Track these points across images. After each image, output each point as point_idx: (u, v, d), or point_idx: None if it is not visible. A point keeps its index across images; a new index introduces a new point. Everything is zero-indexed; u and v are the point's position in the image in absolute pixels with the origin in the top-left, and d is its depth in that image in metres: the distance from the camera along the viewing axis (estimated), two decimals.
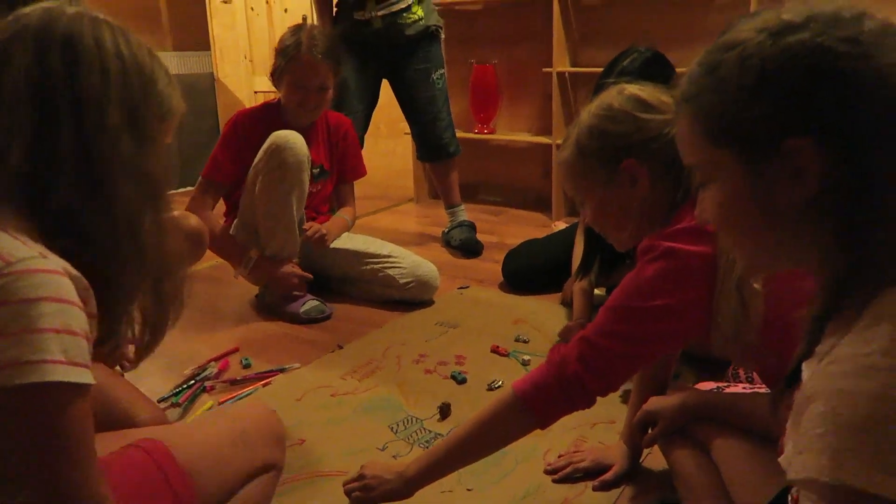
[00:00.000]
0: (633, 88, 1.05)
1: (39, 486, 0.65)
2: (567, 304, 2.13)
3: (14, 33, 0.72)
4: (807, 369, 0.63)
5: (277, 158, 1.96)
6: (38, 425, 0.64)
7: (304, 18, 4.03)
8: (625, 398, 1.52)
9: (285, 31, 2.14)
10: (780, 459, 0.64)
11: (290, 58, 2.06)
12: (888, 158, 0.56)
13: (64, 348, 0.64)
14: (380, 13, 2.55)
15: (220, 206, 2.21)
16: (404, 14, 2.58)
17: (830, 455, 0.51)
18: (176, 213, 0.77)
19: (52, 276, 0.66)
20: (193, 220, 1.61)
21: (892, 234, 0.57)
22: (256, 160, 2.01)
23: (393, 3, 2.55)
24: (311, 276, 2.12)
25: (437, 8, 2.77)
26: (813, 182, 0.57)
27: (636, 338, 0.97)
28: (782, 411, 0.70)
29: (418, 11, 2.60)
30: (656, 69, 1.85)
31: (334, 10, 2.69)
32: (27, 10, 0.74)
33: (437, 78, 2.70)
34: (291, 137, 1.98)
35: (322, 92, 2.09)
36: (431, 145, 2.77)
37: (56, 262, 0.67)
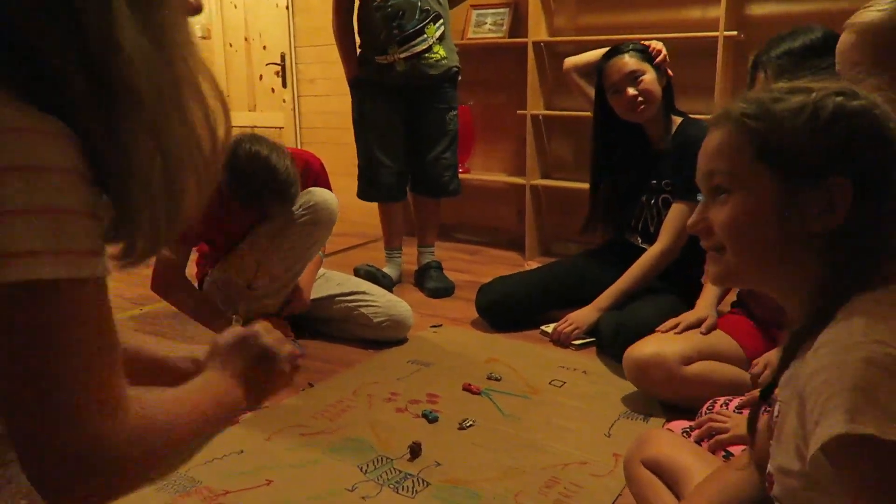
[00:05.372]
0: None
1: (26, 411, 0.50)
2: (560, 343, 2.13)
3: None
4: (784, 381, 0.70)
5: (313, 215, 2.01)
6: (16, 332, 0.49)
7: (283, 57, 4.09)
8: (592, 439, 1.51)
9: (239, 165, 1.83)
10: (770, 467, 0.69)
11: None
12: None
13: (43, 234, 0.48)
14: (402, 56, 2.57)
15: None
16: (426, 55, 2.59)
17: (843, 411, 0.56)
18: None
19: (31, 136, 0.48)
20: None
21: (875, 258, 0.66)
22: (287, 213, 1.97)
23: (414, 45, 2.57)
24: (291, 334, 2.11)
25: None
26: (840, 216, 0.66)
27: None
28: (760, 429, 0.76)
29: (440, 51, 2.62)
30: None
31: (358, 52, 2.72)
32: None
33: (451, 118, 2.74)
34: (329, 198, 2.04)
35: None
36: (431, 181, 2.77)
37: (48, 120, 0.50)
